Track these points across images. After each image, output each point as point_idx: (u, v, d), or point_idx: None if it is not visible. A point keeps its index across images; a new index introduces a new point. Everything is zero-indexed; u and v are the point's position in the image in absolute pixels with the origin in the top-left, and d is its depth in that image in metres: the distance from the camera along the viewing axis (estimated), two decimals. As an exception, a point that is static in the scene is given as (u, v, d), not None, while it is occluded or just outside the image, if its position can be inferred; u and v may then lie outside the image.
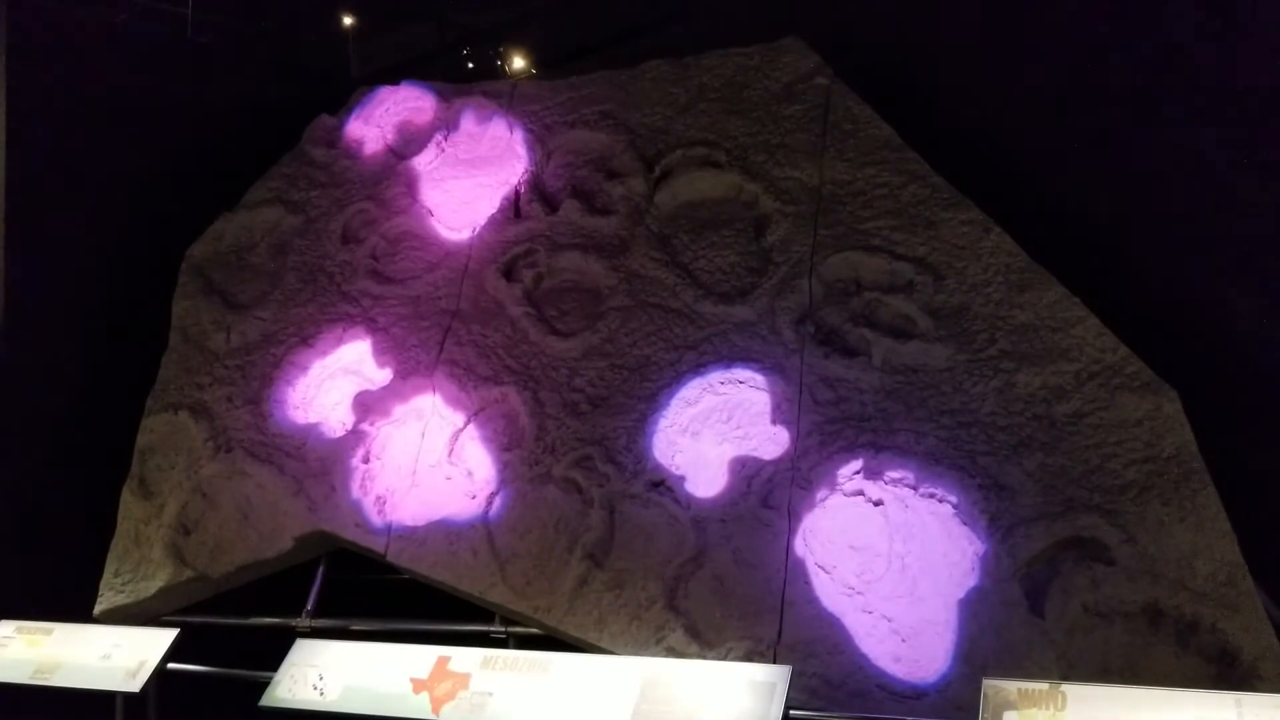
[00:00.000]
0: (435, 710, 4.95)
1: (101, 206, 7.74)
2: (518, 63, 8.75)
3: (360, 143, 7.57)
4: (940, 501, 5.05)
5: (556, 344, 6.20)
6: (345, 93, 7.87)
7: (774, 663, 4.84)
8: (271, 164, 7.77)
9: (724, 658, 4.99)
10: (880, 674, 4.82)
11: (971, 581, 4.84)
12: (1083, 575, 4.71)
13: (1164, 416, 4.90)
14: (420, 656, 5.21)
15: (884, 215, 5.77)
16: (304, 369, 6.83)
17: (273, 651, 5.62)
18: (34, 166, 7.47)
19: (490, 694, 4.90)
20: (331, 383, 6.76)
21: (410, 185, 7.19)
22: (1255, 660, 4.38)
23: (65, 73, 7.66)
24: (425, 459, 6.19)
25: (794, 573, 5.13)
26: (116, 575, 6.67)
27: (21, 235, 7.37)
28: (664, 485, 5.58)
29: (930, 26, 6.50)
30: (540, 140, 6.92)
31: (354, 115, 7.68)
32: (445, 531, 5.93)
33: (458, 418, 6.24)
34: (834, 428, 5.36)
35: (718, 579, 5.26)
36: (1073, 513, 4.82)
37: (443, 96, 7.44)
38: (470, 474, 6.07)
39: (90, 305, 7.67)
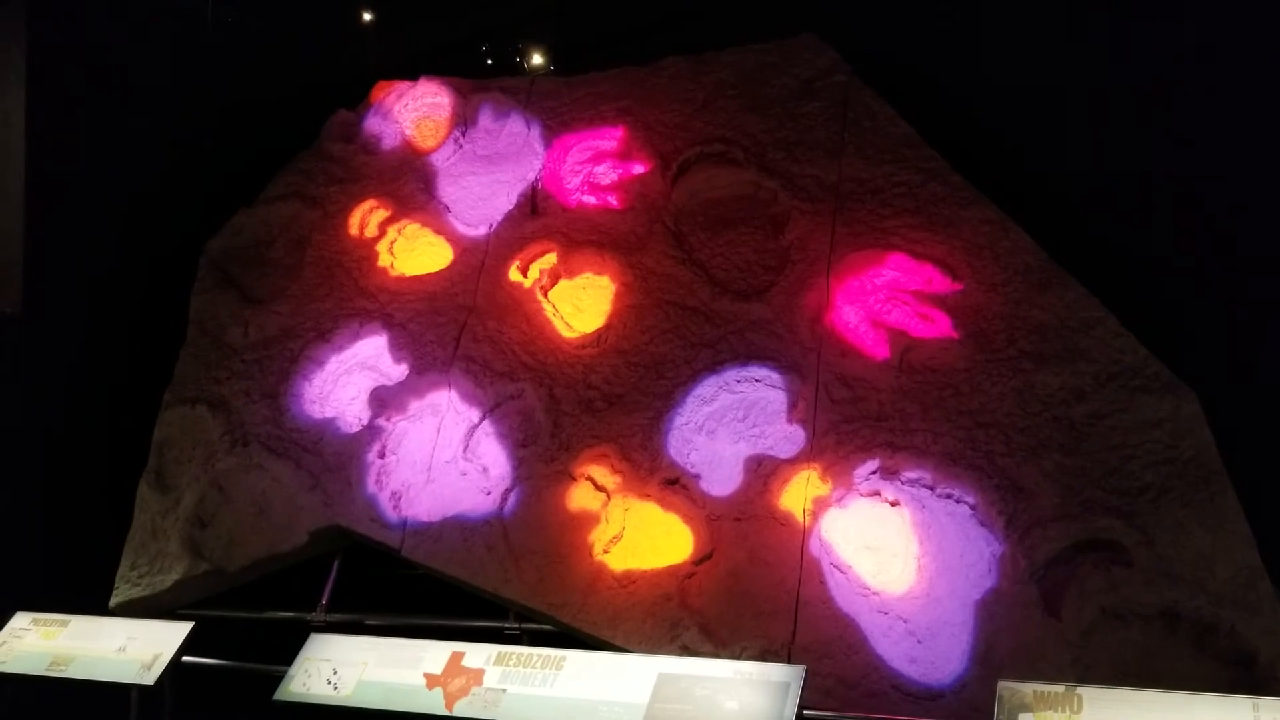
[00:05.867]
0: (449, 706, 4.96)
1: (121, 200, 7.76)
2: (536, 59, 8.75)
3: (378, 138, 7.58)
4: (957, 502, 5.03)
5: (572, 341, 6.20)
6: (363, 88, 7.88)
7: (788, 662, 4.83)
8: (290, 159, 7.79)
9: (738, 657, 4.98)
10: (896, 675, 4.81)
11: (988, 583, 4.82)
12: (1100, 577, 4.68)
13: (1183, 418, 4.87)
14: (434, 652, 5.22)
15: (903, 213, 5.74)
16: (321, 364, 6.84)
17: (287, 646, 5.64)
18: (54, 161, 7.50)
19: (503, 690, 4.90)
20: (348, 378, 6.77)
21: (427, 181, 7.20)
22: (1273, 663, 4.35)
23: (85, 67, 7.68)
24: (441, 455, 6.20)
25: (809, 572, 5.12)
26: (133, 568, 6.71)
27: (41, 229, 7.41)
28: (679, 483, 5.58)
29: (950, 22, 6.46)
30: (558, 137, 6.91)
31: (372, 111, 7.69)
32: (460, 527, 5.94)
33: (473, 414, 6.24)
34: (851, 427, 5.35)
35: (732, 577, 5.25)
36: (1091, 514, 4.79)
37: (460, 92, 7.44)
38: (485, 470, 6.07)
39: (109, 299, 7.70)
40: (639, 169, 6.51)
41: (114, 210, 7.74)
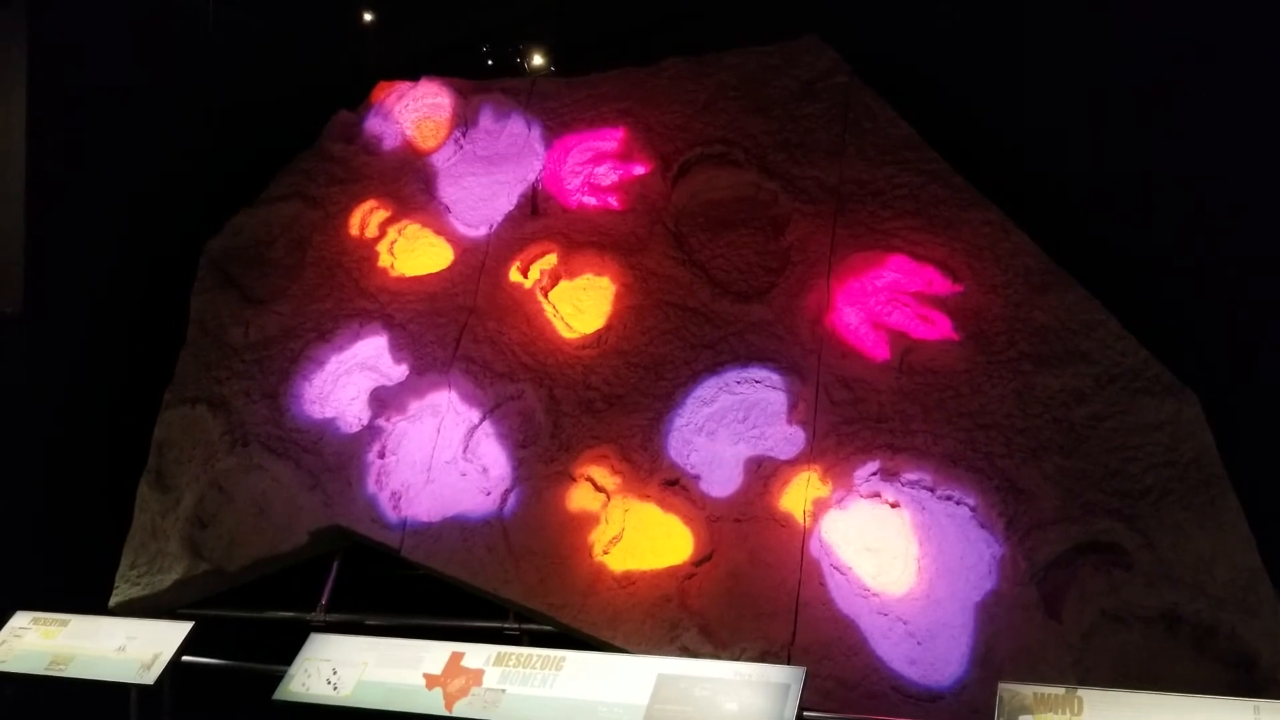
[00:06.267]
0: (448, 706, 4.95)
1: (122, 201, 7.76)
2: (536, 60, 8.75)
3: (379, 138, 7.58)
4: (958, 504, 5.03)
5: (572, 341, 6.20)
6: (364, 88, 7.88)
7: (788, 664, 4.82)
8: (291, 159, 7.79)
9: (738, 658, 4.98)
10: (895, 676, 4.81)
11: (988, 584, 4.82)
12: (1101, 579, 4.68)
13: (1184, 420, 4.87)
14: (434, 652, 5.22)
15: (903, 215, 5.74)
16: (321, 364, 6.84)
17: (287, 645, 5.64)
18: (55, 161, 7.50)
19: (503, 691, 4.90)
20: (348, 378, 6.77)
21: (428, 181, 7.20)
22: (1274, 666, 4.36)
23: (86, 67, 7.68)
24: (441, 455, 6.20)
25: (809, 574, 5.12)
26: (133, 568, 6.70)
27: (42, 229, 7.40)
28: (679, 484, 5.58)
29: (951, 24, 6.46)
30: (558, 137, 6.91)
31: (373, 111, 7.69)
32: (460, 527, 5.94)
33: (473, 414, 6.24)
34: (851, 429, 5.34)
35: (732, 579, 5.25)
36: (1091, 516, 4.79)
37: (461, 93, 7.44)
38: (485, 470, 6.07)
39: (109, 299, 7.69)
40: (639, 170, 6.51)
41: (115, 210, 7.73)
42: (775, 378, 5.61)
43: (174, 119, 8.01)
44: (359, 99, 7.83)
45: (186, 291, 7.49)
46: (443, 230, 6.98)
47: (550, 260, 6.51)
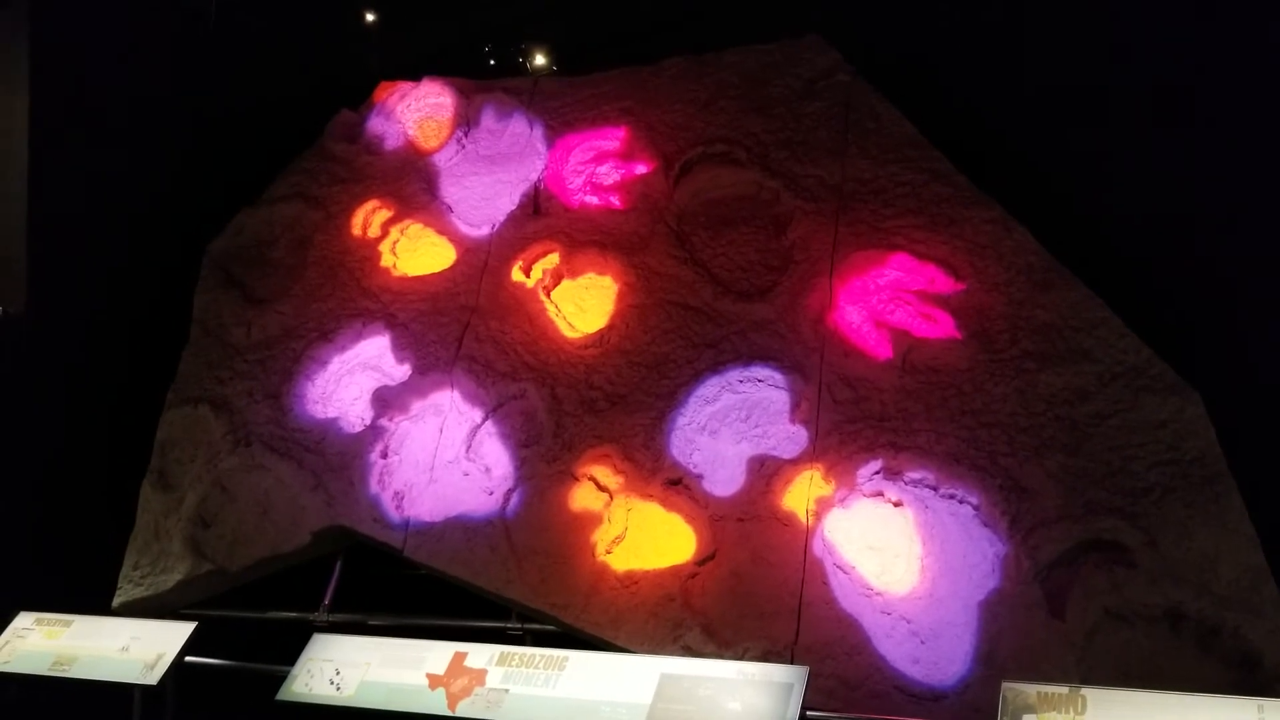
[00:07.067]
0: (451, 706, 4.95)
1: (124, 201, 7.76)
2: (539, 59, 8.75)
3: (381, 138, 7.58)
4: (960, 502, 5.03)
5: (575, 341, 6.20)
6: (366, 88, 7.88)
7: (791, 663, 4.82)
8: (293, 159, 7.79)
9: (740, 657, 4.98)
10: (898, 675, 4.80)
11: (991, 583, 4.82)
12: (1104, 578, 4.67)
13: (1187, 419, 4.86)
14: (437, 652, 5.22)
15: (906, 213, 5.74)
16: (323, 364, 6.84)
17: (290, 646, 5.64)
18: (56, 161, 7.50)
19: (506, 690, 4.90)
20: (350, 378, 6.77)
21: (430, 181, 7.20)
22: (1278, 665, 4.34)
23: (86, 67, 7.68)
24: (443, 455, 6.20)
25: (812, 573, 5.11)
26: (135, 568, 6.71)
27: (45, 229, 7.40)
28: (682, 483, 5.57)
29: (953, 23, 6.45)
30: (560, 137, 6.91)
31: (375, 111, 7.69)
32: (462, 527, 5.94)
33: (476, 414, 6.24)
34: (854, 427, 5.34)
35: (735, 578, 5.25)
36: (1094, 515, 4.78)
37: (464, 93, 7.45)
38: (488, 470, 6.07)
39: (112, 299, 7.69)
40: (641, 169, 6.51)
41: (117, 211, 7.73)
42: (778, 376, 5.61)
43: (175, 119, 8.01)
44: (361, 99, 7.84)
45: (189, 292, 7.50)
46: (445, 230, 6.98)
47: (552, 259, 6.51)
